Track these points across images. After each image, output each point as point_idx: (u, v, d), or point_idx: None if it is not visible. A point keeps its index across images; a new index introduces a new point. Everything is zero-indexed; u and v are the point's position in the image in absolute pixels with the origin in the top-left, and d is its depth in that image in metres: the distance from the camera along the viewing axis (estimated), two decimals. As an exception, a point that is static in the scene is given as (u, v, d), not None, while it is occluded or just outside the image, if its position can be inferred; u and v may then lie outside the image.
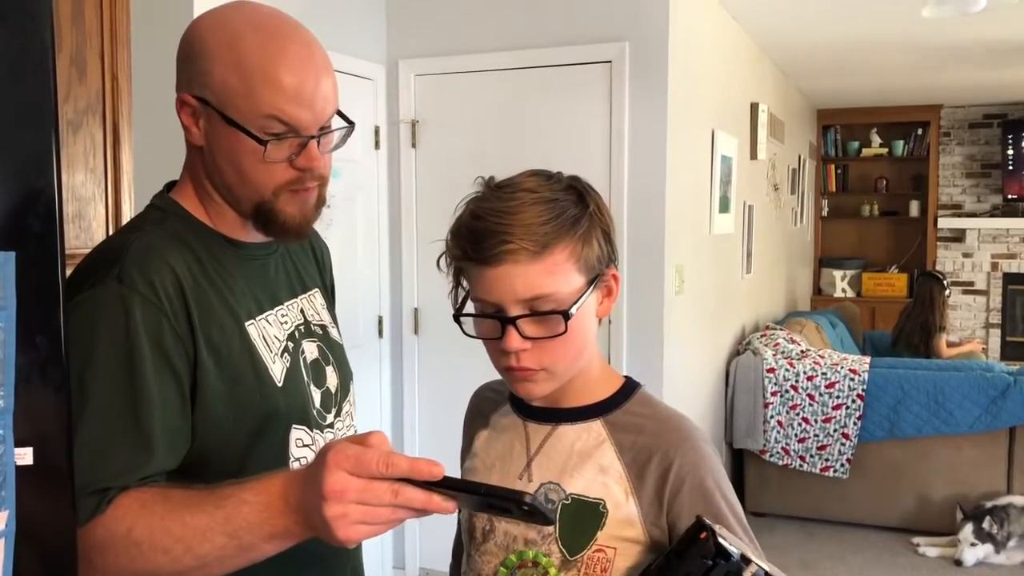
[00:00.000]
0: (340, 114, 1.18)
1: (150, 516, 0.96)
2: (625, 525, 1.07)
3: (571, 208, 1.04)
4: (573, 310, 1.03)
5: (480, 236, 1.02)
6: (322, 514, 0.86)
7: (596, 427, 1.12)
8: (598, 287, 1.08)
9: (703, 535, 0.93)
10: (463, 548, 1.25)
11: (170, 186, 1.22)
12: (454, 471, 1.28)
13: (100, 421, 1.00)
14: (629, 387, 1.16)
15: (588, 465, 1.09)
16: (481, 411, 1.25)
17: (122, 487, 0.99)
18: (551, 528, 1.08)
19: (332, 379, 1.26)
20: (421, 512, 0.88)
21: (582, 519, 1.08)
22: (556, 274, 1.02)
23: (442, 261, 1.09)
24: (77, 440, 0.92)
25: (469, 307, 1.08)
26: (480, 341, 1.09)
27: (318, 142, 1.13)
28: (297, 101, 1.09)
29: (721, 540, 0.93)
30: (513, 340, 1.03)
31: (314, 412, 1.20)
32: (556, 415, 1.14)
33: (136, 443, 1.02)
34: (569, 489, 1.09)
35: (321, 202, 1.20)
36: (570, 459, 1.11)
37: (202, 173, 1.17)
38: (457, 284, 1.10)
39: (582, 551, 1.07)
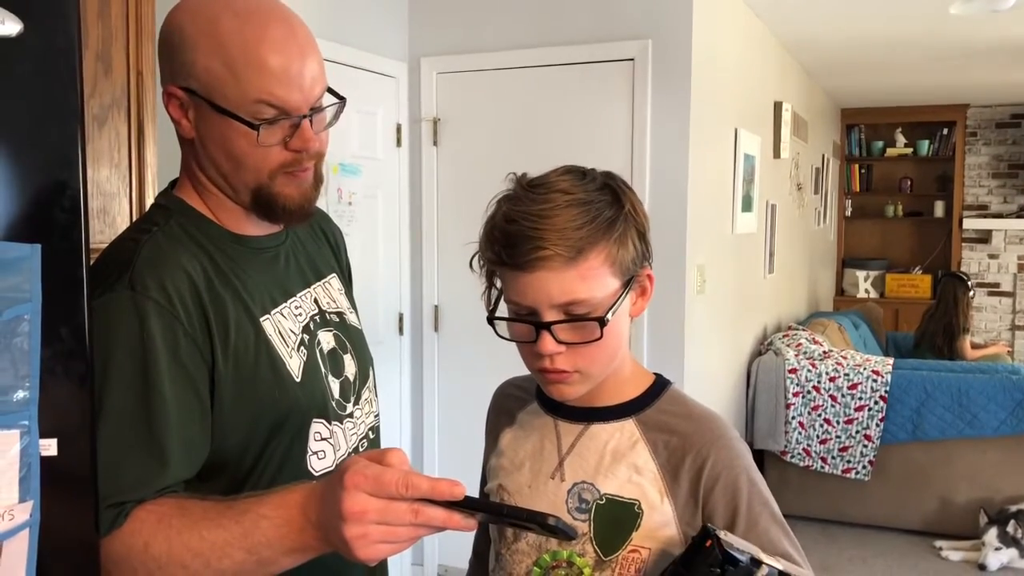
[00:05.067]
0: (330, 90, 1.15)
1: (167, 530, 0.96)
2: (660, 526, 1.06)
3: (606, 210, 1.02)
4: (609, 315, 1.01)
5: (513, 240, 1.00)
6: (341, 534, 0.86)
7: (629, 426, 1.11)
8: (632, 288, 1.07)
9: (708, 543, 0.92)
10: (487, 544, 1.25)
11: (174, 184, 1.20)
12: (476, 467, 1.28)
13: (115, 433, 0.99)
14: (660, 385, 1.15)
15: (622, 465, 1.08)
16: (506, 408, 1.24)
17: (138, 500, 0.99)
18: (585, 528, 1.08)
19: (350, 367, 1.25)
20: (441, 529, 0.88)
21: (617, 519, 1.07)
22: (591, 279, 1.00)
23: (475, 262, 1.08)
24: None
25: (502, 309, 1.06)
26: (503, 339, 1.08)
27: (311, 121, 1.10)
28: (285, 83, 1.06)
29: (727, 547, 0.91)
30: (547, 344, 1.02)
31: (333, 404, 1.19)
32: (588, 414, 1.12)
33: (151, 455, 1.01)
34: (603, 489, 1.09)
35: (319, 179, 1.17)
36: (603, 459, 1.10)
37: (196, 167, 1.15)
38: (490, 285, 1.08)
39: (617, 551, 1.06)
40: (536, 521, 0.85)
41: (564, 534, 0.87)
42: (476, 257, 1.08)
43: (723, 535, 0.94)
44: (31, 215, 0.80)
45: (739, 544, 0.94)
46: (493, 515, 0.92)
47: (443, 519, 0.86)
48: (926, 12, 4.31)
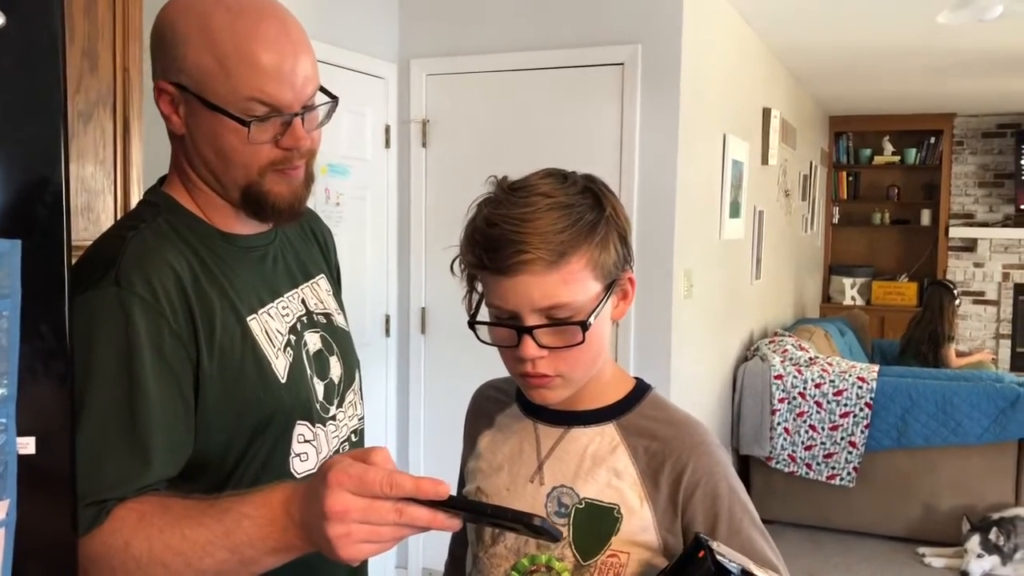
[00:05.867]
0: (323, 90, 1.14)
1: (148, 529, 0.95)
2: (639, 531, 1.05)
3: (588, 213, 1.01)
4: (591, 319, 1.01)
5: (495, 244, 0.99)
6: (324, 533, 0.85)
7: (609, 431, 1.10)
8: (614, 292, 1.06)
9: (701, 554, 0.91)
10: (463, 547, 1.24)
11: (163, 180, 1.20)
12: (458, 471, 1.28)
13: (98, 430, 0.98)
14: (641, 389, 1.14)
15: (602, 469, 1.08)
16: (484, 411, 1.23)
17: (119, 498, 0.97)
18: (564, 533, 1.07)
19: (336, 369, 1.24)
20: (425, 529, 0.87)
21: (596, 524, 1.06)
22: (573, 283, 1.00)
23: (455, 266, 1.07)
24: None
25: (483, 313, 1.06)
26: (485, 343, 1.08)
27: (302, 120, 1.09)
28: (277, 80, 1.05)
29: (720, 558, 0.91)
30: (529, 349, 1.01)
31: (317, 406, 1.18)
32: (568, 417, 1.12)
33: (133, 453, 1.00)
34: (582, 493, 1.08)
35: (310, 178, 1.16)
36: (583, 463, 1.09)
37: (186, 163, 1.14)
38: (471, 289, 1.08)
39: (596, 556, 1.06)
40: (521, 521, 0.85)
41: (549, 535, 0.86)
42: (457, 260, 1.07)
43: (715, 546, 0.93)
44: (12, 211, 0.79)
45: (730, 555, 0.93)
46: (477, 515, 0.91)
47: (427, 519, 0.85)
48: (914, 21, 4.34)
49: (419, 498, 0.85)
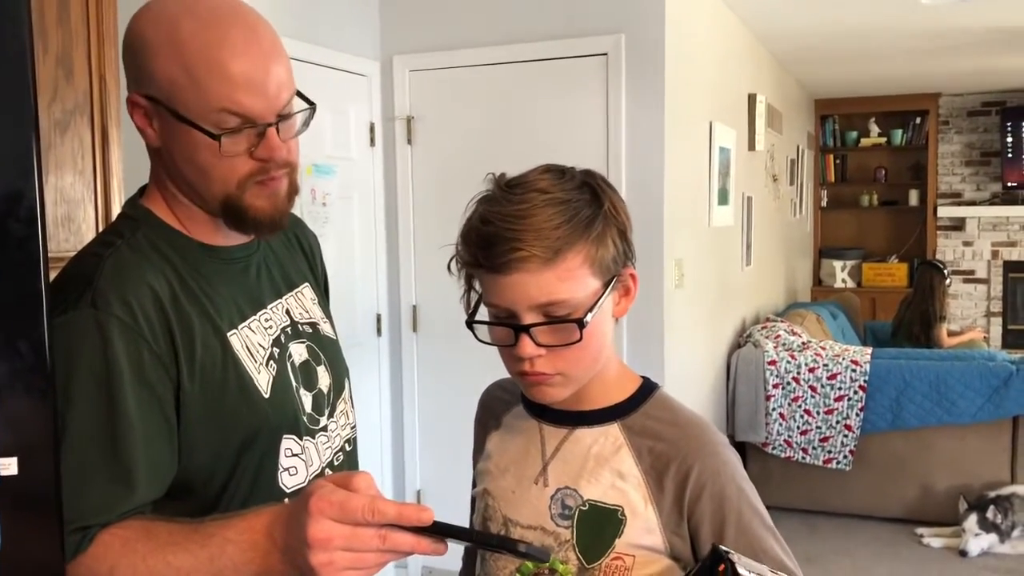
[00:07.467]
0: (300, 95, 1.10)
1: (132, 556, 0.94)
2: (643, 533, 1.04)
3: (584, 209, 1.00)
4: (588, 317, 0.99)
5: (490, 242, 0.98)
6: (307, 561, 0.85)
7: (614, 431, 1.09)
8: (615, 288, 1.05)
9: (721, 567, 0.90)
10: None
11: (143, 191, 1.17)
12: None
13: (80, 457, 0.96)
14: (647, 388, 1.13)
15: (606, 470, 1.07)
16: (492, 411, 1.22)
17: (103, 524, 0.96)
18: (567, 535, 1.06)
19: (324, 379, 1.22)
20: (410, 554, 0.86)
21: (600, 526, 1.05)
22: (569, 280, 0.98)
23: (453, 265, 1.06)
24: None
25: (482, 312, 1.04)
26: (483, 343, 1.06)
27: (277, 129, 1.06)
28: (248, 89, 1.01)
29: (741, 570, 0.89)
30: (526, 347, 1.00)
31: (304, 419, 1.16)
32: (572, 418, 1.11)
33: (116, 478, 0.98)
34: (586, 495, 1.07)
35: (293, 190, 1.13)
36: (587, 464, 1.08)
37: (164, 175, 1.12)
38: (469, 288, 1.06)
39: (600, 558, 1.04)
40: (507, 547, 0.85)
41: (536, 558, 0.86)
42: (454, 259, 1.05)
43: (736, 559, 0.91)
44: (-15, 227, 0.77)
45: (750, 566, 0.92)
46: (463, 539, 0.90)
47: (411, 544, 0.85)
48: (898, 2, 4.33)
49: (403, 524, 0.84)
